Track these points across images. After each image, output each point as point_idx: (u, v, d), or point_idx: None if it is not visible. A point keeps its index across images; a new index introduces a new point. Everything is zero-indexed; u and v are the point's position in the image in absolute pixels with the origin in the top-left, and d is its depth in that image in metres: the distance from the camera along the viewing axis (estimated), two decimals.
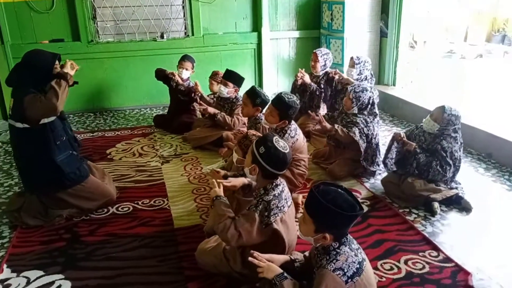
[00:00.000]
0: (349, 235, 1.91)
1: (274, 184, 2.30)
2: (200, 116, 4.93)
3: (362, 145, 3.58)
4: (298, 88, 4.78)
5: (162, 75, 4.97)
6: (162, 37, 5.86)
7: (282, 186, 2.34)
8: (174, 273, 2.54)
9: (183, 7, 5.89)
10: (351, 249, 1.85)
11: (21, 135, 2.87)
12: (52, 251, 2.77)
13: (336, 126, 3.59)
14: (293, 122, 3.34)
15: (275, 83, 6.51)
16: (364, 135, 3.60)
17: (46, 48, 5.33)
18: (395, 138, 3.37)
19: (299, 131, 3.39)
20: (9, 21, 5.31)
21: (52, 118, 2.89)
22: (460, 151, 3.22)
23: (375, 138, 3.70)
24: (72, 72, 2.90)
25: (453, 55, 8.19)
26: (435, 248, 2.69)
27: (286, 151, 2.29)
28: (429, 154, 3.20)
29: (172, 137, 4.86)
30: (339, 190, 1.87)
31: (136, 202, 3.37)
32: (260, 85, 6.45)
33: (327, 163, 3.88)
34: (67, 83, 2.81)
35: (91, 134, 5.02)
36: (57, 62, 2.91)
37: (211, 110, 4.33)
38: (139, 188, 3.62)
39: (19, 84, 2.84)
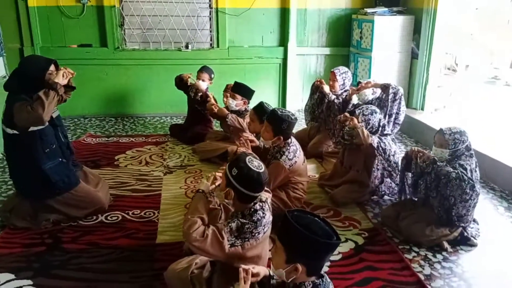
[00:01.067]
0: (326, 277, 1.72)
1: (252, 209, 2.16)
2: (216, 128, 4.85)
3: (382, 153, 3.38)
4: (315, 89, 4.62)
5: (178, 81, 4.94)
6: (187, 47, 5.87)
7: (263, 212, 2.17)
8: None
9: (209, 18, 5.88)
10: None
11: (10, 140, 2.88)
12: (30, 255, 2.75)
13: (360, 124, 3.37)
14: (294, 143, 3.16)
15: (300, 100, 6.33)
16: (381, 148, 3.38)
17: (74, 52, 5.62)
18: (411, 154, 3.06)
19: (300, 153, 3.20)
20: (41, 24, 5.52)
21: (42, 126, 2.88)
22: (476, 171, 2.88)
23: (393, 155, 3.45)
24: (64, 81, 2.86)
25: (497, 81, 7.67)
26: None
27: (260, 171, 2.15)
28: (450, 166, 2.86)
29: (183, 148, 4.81)
30: (316, 218, 1.72)
31: (126, 212, 3.32)
32: (284, 101, 6.31)
33: (332, 185, 3.68)
34: (56, 93, 2.79)
35: (106, 139, 5.07)
36: (53, 68, 2.89)
37: (221, 109, 4.27)
38: (135, 198, 3.57)
39: (12, 90, 2.85)
